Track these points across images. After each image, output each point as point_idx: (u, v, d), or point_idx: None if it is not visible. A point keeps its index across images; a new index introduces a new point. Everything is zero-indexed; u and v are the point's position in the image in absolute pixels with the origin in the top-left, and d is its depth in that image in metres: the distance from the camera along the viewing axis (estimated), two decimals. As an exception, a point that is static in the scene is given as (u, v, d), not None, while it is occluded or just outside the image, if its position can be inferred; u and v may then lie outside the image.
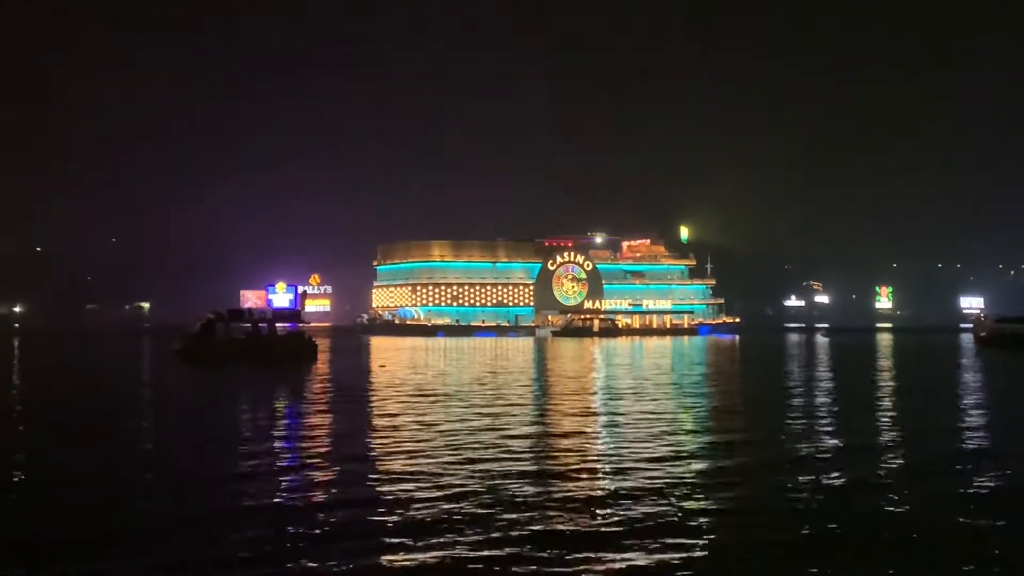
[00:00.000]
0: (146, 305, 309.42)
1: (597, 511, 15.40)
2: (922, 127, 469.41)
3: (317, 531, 14.32)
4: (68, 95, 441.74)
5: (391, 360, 70.23)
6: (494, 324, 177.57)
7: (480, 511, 15.33)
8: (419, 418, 28.75)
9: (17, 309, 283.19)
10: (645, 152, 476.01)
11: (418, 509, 15.48)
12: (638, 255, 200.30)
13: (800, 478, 18.37)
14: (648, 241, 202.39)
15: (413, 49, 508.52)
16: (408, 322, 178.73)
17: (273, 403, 35.06)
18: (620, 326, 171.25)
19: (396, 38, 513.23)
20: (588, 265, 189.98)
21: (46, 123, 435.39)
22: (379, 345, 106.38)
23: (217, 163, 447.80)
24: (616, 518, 14.92)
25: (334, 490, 17.47)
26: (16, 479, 18.94)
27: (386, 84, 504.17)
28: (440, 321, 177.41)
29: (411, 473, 18.85)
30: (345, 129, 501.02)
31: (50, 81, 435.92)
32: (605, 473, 18.98)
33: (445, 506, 15.68)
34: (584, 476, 18.61)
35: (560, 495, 16.66)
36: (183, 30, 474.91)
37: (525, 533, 13.94)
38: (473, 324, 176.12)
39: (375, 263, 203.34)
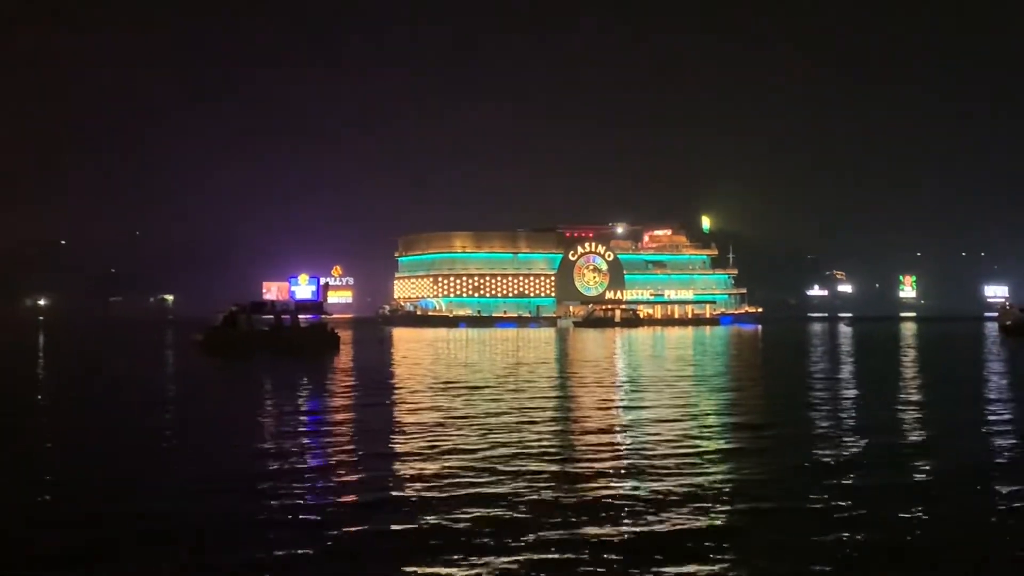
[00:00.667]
0: (170, 297, 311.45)
1: (628, 515, 15.10)
2: (939, 118, 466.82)
3: (341, 536, 14.00)
4: (85, 89, 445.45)
5: (414, 351, 70.18)
6: (516, 315, 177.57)
7: (509, 514, 15.08)
8: (444, 411, 28.51)
9: (42, 302, 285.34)
10: (667, 142, 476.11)
11: (447, 512, 15.19)
12: (660, 245, 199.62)
13: (830, 481, 17.99)
14: (670, 231, 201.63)
15: (429, 39, 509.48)
16: (430, 313, 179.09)
17: (296, 397, 34.91)
18: (642, 316, 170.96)
19: (410, 28, 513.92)
20: (609, 255, 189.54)
21: (64, 117, 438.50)
22: (401, 336, 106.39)
23: (238, 156, 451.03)
24: (647, 523, 14.65)
25: (359, 492, 17.08)
26: (30, 479, 18.54)
27: (404, 76, 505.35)
28: (462, 312, 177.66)
29: (439, 473, 18.54)
30: (364, 121, 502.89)
31: (66, 75, 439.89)
32: (634, 474, 18.61)
33: (473, 511, 15.39)
34: (613, 478, 18.25)
35: (589, 497, 16.39)
36: (205, 16, 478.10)
37: (555, 538, 13.68)
38: (495, 315, 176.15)
39: (396, 254, 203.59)
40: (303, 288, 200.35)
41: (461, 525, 14.36)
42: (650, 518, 14.81)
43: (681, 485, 17.24)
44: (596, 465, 19.45)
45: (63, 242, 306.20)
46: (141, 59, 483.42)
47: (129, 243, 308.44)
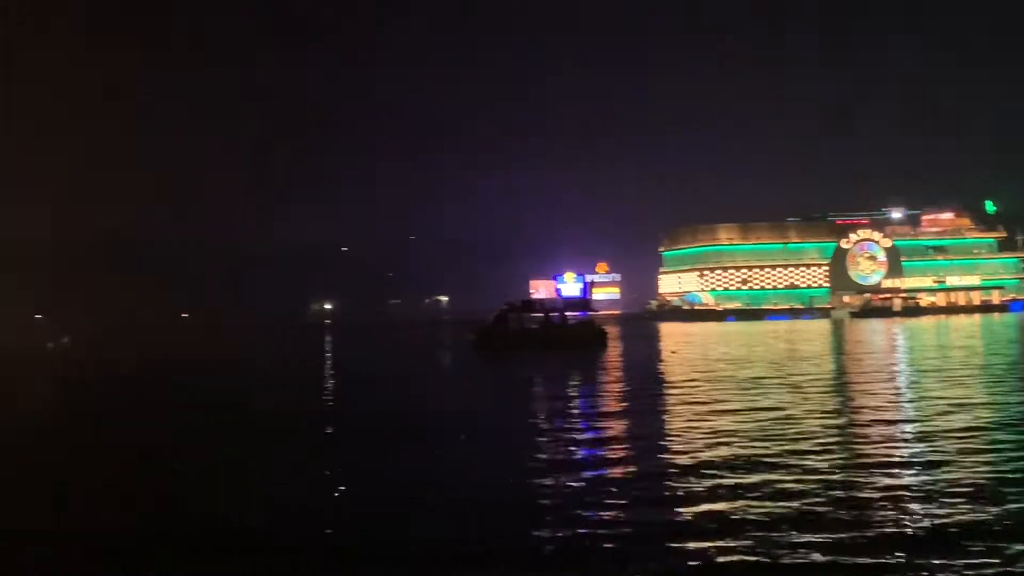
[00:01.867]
0: (444, 298, 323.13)
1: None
2: None
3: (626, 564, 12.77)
4: (361, 96, 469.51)
5: (682, 346, 69.04)
6: (786, 307, 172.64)
7: (832, 538, 13.51)
8: (726, 414, 26.51)
9: (328, 306, 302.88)
10: (948, 119, 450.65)
11: (757, 534, 13.74)
12: (940, 229, 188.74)
13: None
14: (951, 214, 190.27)
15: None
16: (696, 307, 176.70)
17: (568, 397, 34.23)
18: (923, 305, 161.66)
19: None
20: (886, 242, 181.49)
21: (340, 123, 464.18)
22: (668, 331, 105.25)
23: (504, 158, 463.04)
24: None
25: (642, 512, 15.65)
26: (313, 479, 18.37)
27: (655, 72, 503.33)
28: (729, 305, 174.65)
29: (732, 488, 16.81)
30: (624, 119, 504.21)
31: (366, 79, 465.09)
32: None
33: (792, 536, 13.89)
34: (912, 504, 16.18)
35: (883, 531, 14.61)
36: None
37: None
38: (764, 307, 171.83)
39: (660, 249, 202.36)
40: (570, 286, 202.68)
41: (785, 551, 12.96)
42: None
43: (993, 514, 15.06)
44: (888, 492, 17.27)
45: (344, 249, 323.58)
46: (421, 70, 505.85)
47: (403, 246, 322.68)
